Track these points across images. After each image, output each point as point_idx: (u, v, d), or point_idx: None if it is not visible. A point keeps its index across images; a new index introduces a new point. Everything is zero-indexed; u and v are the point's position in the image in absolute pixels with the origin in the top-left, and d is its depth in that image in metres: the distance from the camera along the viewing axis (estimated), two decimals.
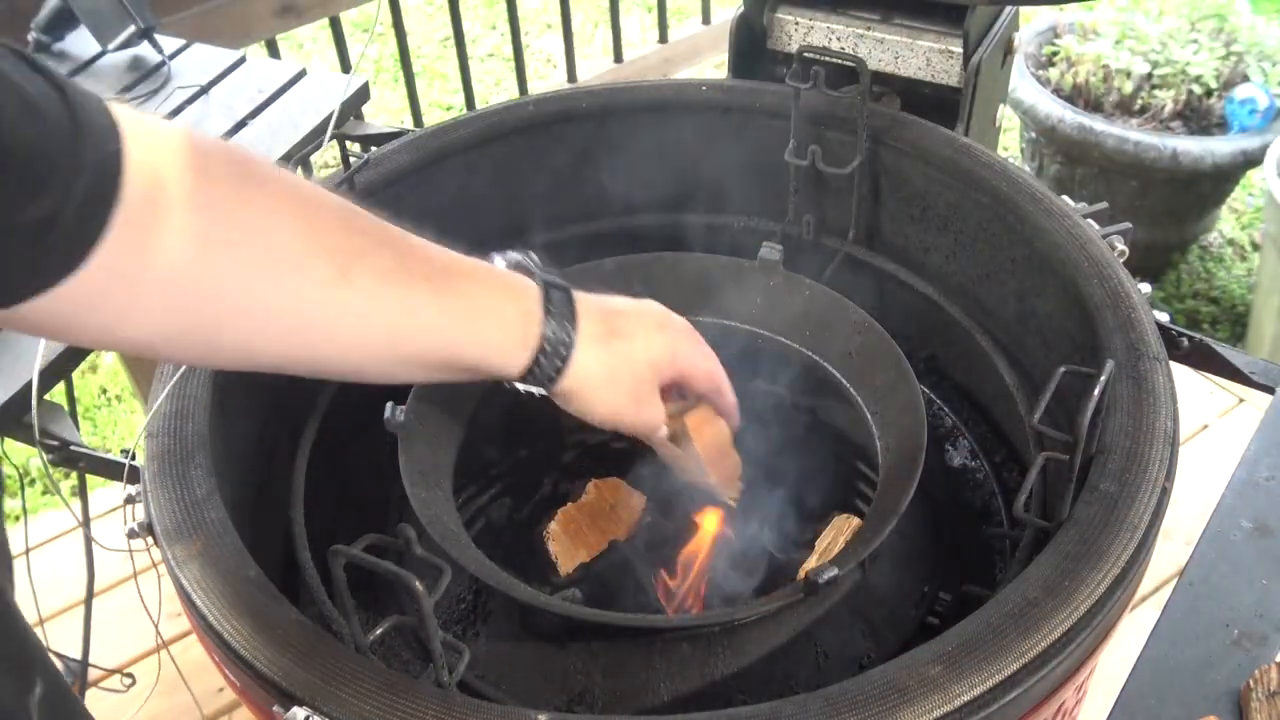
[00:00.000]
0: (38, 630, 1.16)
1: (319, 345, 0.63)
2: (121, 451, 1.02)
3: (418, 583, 0.58)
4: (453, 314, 0.66)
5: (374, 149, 1.06)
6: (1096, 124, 2.26)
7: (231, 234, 0.56)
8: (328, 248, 0.60)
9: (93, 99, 0.52)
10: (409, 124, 2.34)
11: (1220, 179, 2.32)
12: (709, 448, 0.86)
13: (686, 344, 0.81)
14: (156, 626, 1.06)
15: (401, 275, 0.63)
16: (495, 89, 3.17)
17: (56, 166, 0.49)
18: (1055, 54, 2.45)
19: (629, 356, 0.76)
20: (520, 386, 0.73)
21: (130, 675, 1.26)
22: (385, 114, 3.06)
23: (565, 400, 0.74)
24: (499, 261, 0.75)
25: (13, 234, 0.48)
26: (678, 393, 0.84)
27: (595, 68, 2.68)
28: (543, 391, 0.74)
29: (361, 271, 0.61)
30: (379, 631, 0.63)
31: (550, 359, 0.71)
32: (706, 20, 2.73)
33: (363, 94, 1.43)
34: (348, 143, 1.38)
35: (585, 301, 0.74)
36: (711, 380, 0.83)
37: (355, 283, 0.61)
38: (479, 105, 2.58)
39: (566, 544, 0.98)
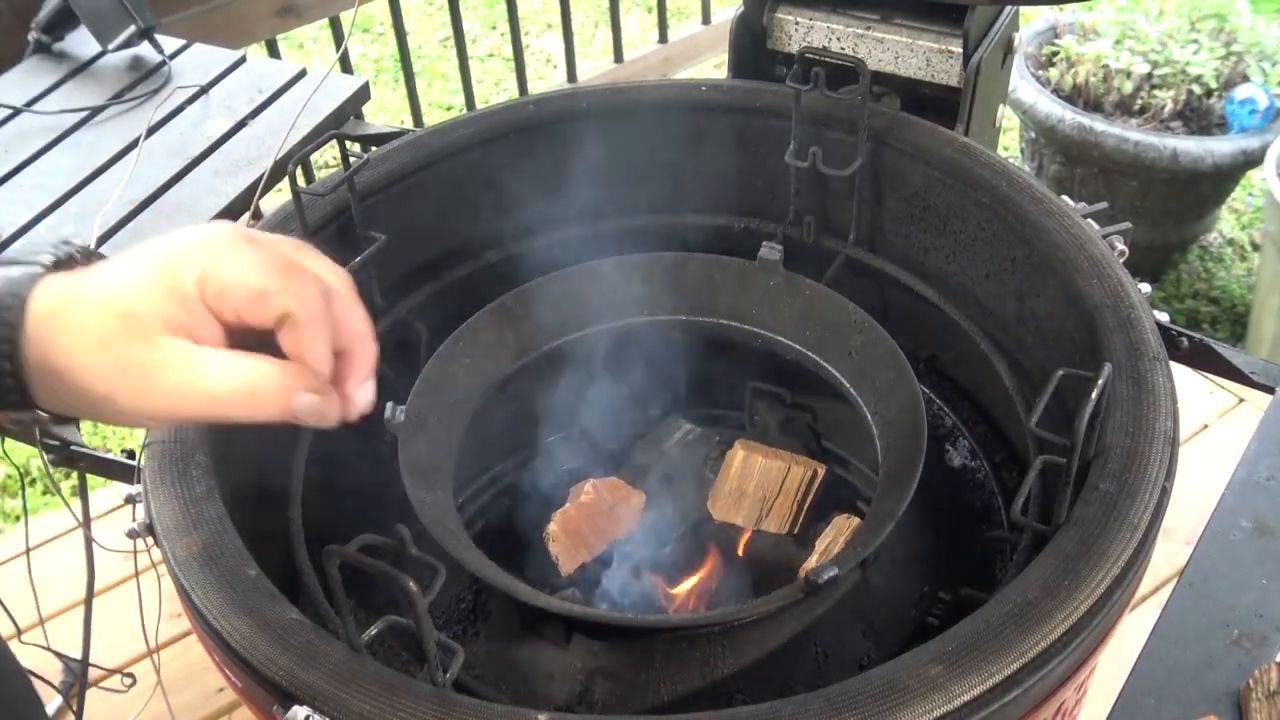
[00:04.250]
0: (37, 631, 1.17)
1: None
2: (122, 451, 1.02)
3: (412, 583, 0.58)
4: None
5: (374, 149, 1.06)
6: (1096, 124, 2.26)
7: None
8: None
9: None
10: (409, 124, 2.34)
11: (1220, 179, 2.32)
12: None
13: (220, 250, 0.54)
14: (157, 630, 1.06)
15: None
16: (495, 89, 3.17)
17: None
18: (1055, 54, 2.45)
19: (104, 287, 0.53)
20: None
21: (131, 675, 1.27)
22: (385, 114, 3.06)
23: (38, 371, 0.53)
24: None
25: None
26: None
27: (595, 68, 2.68)
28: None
29: None
30: (373, 632, 0.63)
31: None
32: (706, 20, 2.72)
33: (363, 94, 1.43)
34: (348, 143, 1.38)
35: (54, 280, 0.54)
36: (262, 302, 0.55)
37: None
38: (479, 105, 2.58)
39: (566, 544, 0.98)
